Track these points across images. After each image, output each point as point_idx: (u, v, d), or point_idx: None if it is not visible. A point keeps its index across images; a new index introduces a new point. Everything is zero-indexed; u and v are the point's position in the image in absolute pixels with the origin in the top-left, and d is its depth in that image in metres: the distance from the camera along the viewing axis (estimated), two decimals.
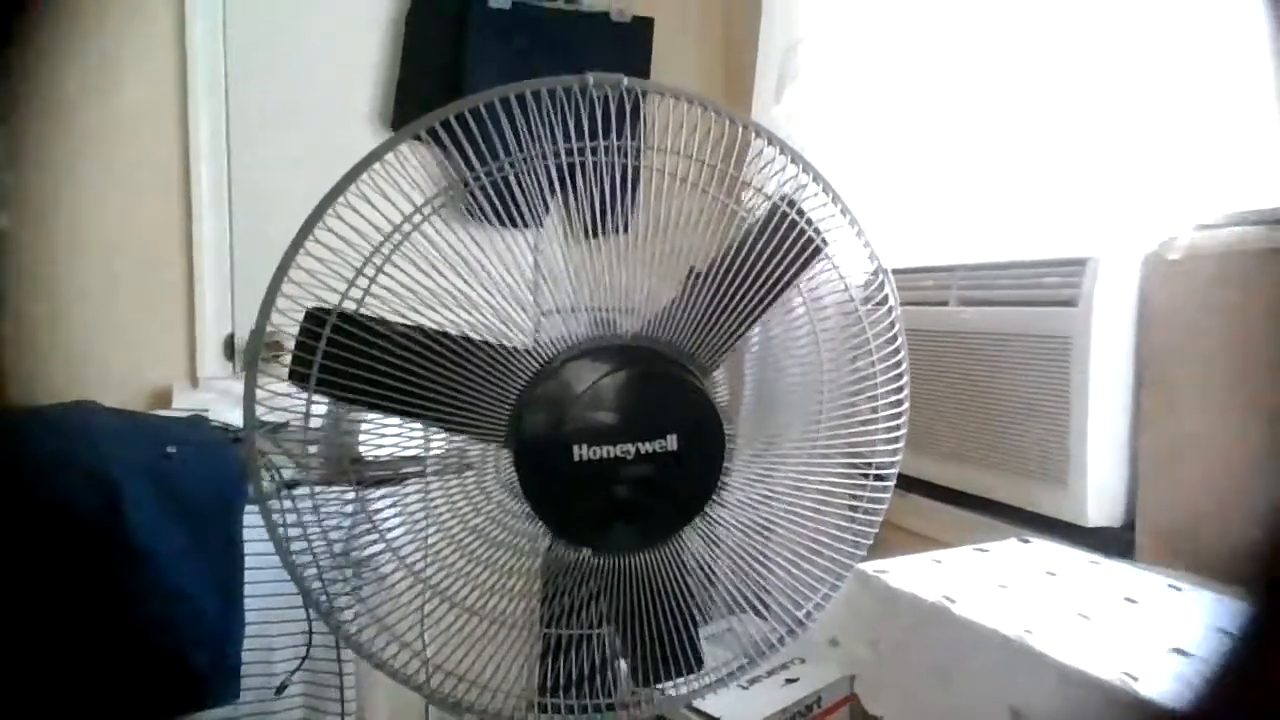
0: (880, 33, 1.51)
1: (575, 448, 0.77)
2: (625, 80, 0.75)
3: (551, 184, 0.78)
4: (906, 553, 1.03)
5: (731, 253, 0.84)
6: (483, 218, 0.79)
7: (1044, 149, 1.29)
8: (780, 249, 0.84)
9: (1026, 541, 1.11)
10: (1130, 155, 1.17)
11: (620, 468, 0.78)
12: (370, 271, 0.75)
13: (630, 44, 2.01)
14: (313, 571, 0.75)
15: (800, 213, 0.85)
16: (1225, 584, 0.94)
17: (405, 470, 0.91)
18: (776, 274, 0.84)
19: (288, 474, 0.79)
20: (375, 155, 0.74)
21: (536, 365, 0.80)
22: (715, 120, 0.82)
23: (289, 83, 1.85)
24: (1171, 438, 1.06)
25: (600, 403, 0.79)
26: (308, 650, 1.10)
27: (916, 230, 1.46)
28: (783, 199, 0.85)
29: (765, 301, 0.85)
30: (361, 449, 0.87)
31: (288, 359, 0.77)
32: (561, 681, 0.82)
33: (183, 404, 1.63)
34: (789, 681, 1.37)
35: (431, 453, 0.87)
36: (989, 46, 1.37)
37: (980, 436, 1.26)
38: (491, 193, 0.78)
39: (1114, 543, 1.09)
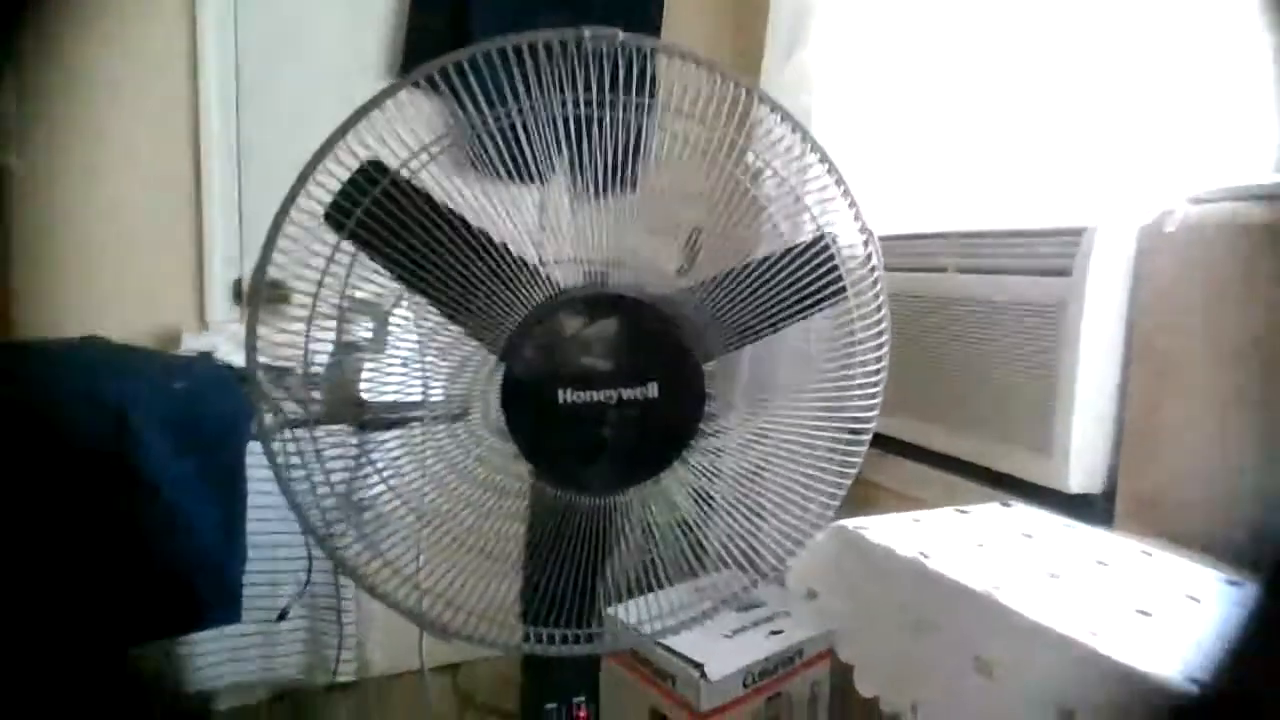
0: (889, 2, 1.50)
1: (560, 391, 0.80)
2: (621, 35, 0.75)
3: (558, 138, 0.79)
4: (892, 513, 1.06)
5: (767, 267, 0.87)
6: (487, 168, 0.80)
7: (1046, 121, 1.29)
8: (815, 280, 0.88)
9: (1008, 505, 1.13)
10: (1129, 128, 1.16)
11: (603, 412, 0.81)
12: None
13: None
14: (311, 500, 0.78)
15: (839, 251, 0.89)
16: (1198, 553, 0.96)
17: (405, 415, 0.94)
18: (805, 302, 0.89)
19: (291, 408, 0.82)
20: (377, 100, 0.75)
21: (526, 309, 0.82)
22: (720, 83, 0.83)
23: (299, 29, 1.85)
24: (1156, 409, 1.07)
25: (587, 349, 0.82)
26: (308, 577, 1.14)
27: (920, 196, 1.47)
28: (828, 234, 0.89)
29: (785, 321, 0.89)
30: (363, 392, 0.90)
31: (292, 300, 0.79)
32: (545, 613, 0.85)
33: (190, 346, 1.67)
34: (773, 633, 1.41)
35: (431, 398, 0.90)
36: (997, 20, 1.36)
37: (971, 402, 1.27)
38: (499, 140, 0.79)
39: (1095, 509, 1.11)
